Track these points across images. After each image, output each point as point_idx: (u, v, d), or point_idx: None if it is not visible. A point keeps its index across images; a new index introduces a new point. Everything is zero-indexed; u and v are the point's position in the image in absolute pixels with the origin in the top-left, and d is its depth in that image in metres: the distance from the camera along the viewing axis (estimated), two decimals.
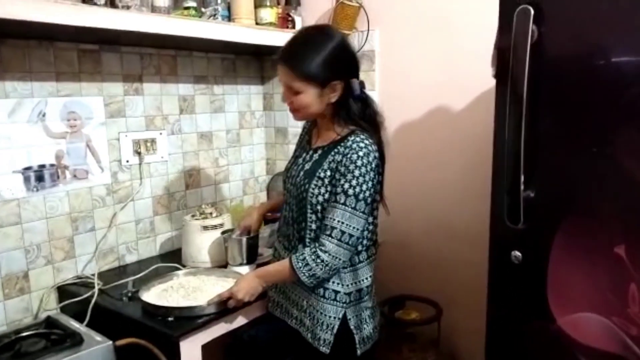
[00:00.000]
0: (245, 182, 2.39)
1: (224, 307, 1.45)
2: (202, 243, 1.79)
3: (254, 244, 1.71)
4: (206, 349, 1.45)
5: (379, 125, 1.42)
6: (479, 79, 1.70)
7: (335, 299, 1.38)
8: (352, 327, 1.39)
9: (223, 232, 1.78)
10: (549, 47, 1.12)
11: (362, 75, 2.07)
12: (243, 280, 1.46)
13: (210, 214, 1.84)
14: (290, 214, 1.47)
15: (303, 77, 1.32)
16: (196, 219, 1.82)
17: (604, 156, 1.09)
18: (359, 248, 1.41)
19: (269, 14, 2.07)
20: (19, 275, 1.60)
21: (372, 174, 1.33)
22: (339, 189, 1.32)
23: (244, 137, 2.35)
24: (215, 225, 1.80)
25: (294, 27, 2.14)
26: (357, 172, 1.31)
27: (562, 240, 1.17)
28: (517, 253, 1.24)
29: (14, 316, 1.59)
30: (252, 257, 1.71)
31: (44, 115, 1.61)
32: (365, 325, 1.43)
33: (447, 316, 1.92)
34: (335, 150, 1.36)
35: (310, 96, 1.35)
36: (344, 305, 1.39)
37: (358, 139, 1.33)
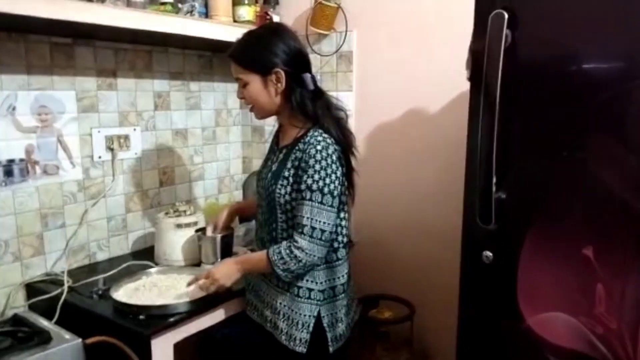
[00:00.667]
0: (221, 180, 2.37)
1: (197, 305, 1.44)
2: (175, 241, 1.77)
3: (228, 243, 1.70)
4: (178, 347, 1.43)
5: (340, 119, 1.43)
6: (455, 81, 1.72)
7: (309, 297, 1.39)
8: (325, 324, 1.40)
9: (197, 231, 1.77)
10: (522, 51, 1.14)
11: (340, 76, 2.13)
12: (222, 264, 1.47)
13: (184, 211, 1.82)
14: (262, 217, 1.47)
15: (244, 66, 1.37)
16: (170, 217, 1.80)
17: (574, 160, 1.12)
18: (335, 245, 1.42)
19: (247, 12, 2.06)
20: None
21: (333, 167, 1.33)
22: (302, 186, 1.33)
23: (220, 135, 2.33)
24: (189, 223, 1.78)
25: None
26: (317, 167, 1.31)
27: (532, 241, 1.19)
28: (488, 253, 1.26)
29: None
30: (226, 255, 1.69)
31: (13, 108, 1.57)
32: (339, 324, 1.44)
33: (420, 315, 1.95)
34: (296, 147, 1.37)
35: (255, 86, 1.37)
36: (318, 302, 1.39)
37: (316, 133, 1.35)
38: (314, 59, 2.15)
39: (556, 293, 1.18)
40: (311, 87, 1.39)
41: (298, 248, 1.32)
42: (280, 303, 1.41)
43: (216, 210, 2.08)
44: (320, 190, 1.31)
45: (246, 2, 2.06)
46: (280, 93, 1.38)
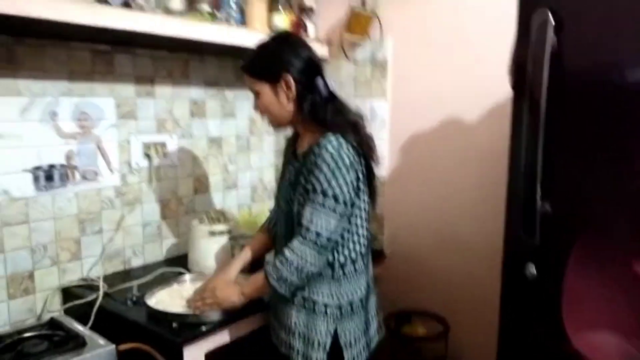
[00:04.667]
0: (254, 188, 2.37)
1: (230, 315, 1.43)
2: (208, 248, 1.76)
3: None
4: (210, 356, 1.42)
5: (357, 124, 1.39)
6: (494, 88, 1.69)
7: (325, 313, 1.34)
8: (342, 343, 1.34)
9: (230, 239, 1.76)
10: (568, 57, 1.10)
11: (375, 84, 2.10)
12: (227, 285, 1.44)
13: (218, 219, 1.82)
14: (280, 231, 1.45)
15: (254, 75, 1.37)
16: (203, 224, 1.80)
17: (623, 171, 1.06)
18: (353, 256, 1.37)
19: (283, 20, 2.07)
20: (24, 275, 1.58)
21: (343, 170, 1.27)
22: (309, 187, 1.29)
23: (253, 144, 2.34)
24: (222, 231, 1.78)
25: (306, 33, 2.14)
26: (325, 168, 1.27)
27: (579, 256, 1.14)
28: (532, 268, 1.21)
29: (17, 316, 1.57)
30: (257, 266, 1.68)
31: (55, 114, 1.61)
32: (358, 344, 1.38)
33: (455, 332, 1.89)
34: (312, 153, 1.33)
35: (266, 95, 1.37)
36: (336, 319, 1.34)
37: (330, 136, 1.30)
38: (348, 66, 2.15)
39: (605, 312, 1.11)
40: (324, 92, 1.37)
41: (289, 248, 1.28)
42: (296, 323, 1.36)
43: (248, 219, 2.09)
44: (324, 192, 1.27)
45: (282, 10, 2.06)
46: (292, 100, 1.36)
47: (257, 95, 1.39)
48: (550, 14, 1.07)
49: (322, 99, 1.36)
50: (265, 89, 1.36)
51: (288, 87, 1.34)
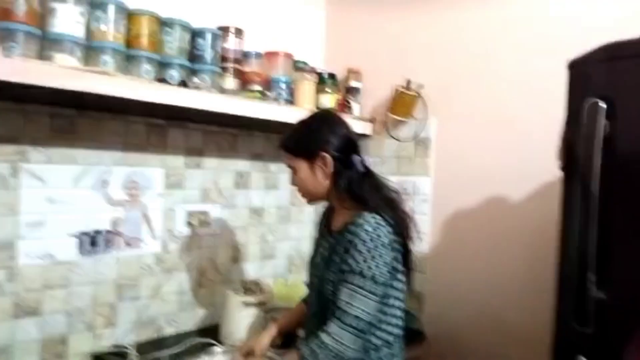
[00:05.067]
0: (291, 259, 2.35)
1: None
2: (241, 319, 1.73)
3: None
4: None
5: (394, 200, 1.37)
6: (540, 169, 1.66)
7: None
8: None
9: (266, 311, 1.73)
10: (622, 142, 1.07)
11: (418, 161, 2.11)
12: None
13: (253, 290, 1.80)
14: (311, 309, 1.41)
15: (292, 152, 1.40)
16: (238, 294, 1.78)
17: None
18: (390, 339, 1.31)
19: (329, 100, 2.14)
20: (58, 339, 1.58)
21: (381, 250, 1.24)
22: (345, 267, 1.26)
23: (293, 214, 2.35)
24: (256, 303, 1.75)
25: (350, 112, 2.20)
26: (363, 248, 1.24)
27: (636, 349, 1.04)
28: (583, 359, 1.11)
29: None
30: (289, 340, 1.62)
31: (106, 182, 1.68)
32: None
33: None
34: (348, 230, 1.30)
35: (303, 171, 1.38)
36: None
37: (367, 214, 1.28)
38: (391, 143, 2.17)
39: None
40: (360, 169, 1.37)
41: (327, 333, 1.23)
42: None
43: (285, 291, 2.05)
44: (362, 274, 1.23)
45: (329, 91, 2.14)
46: (328, 176, 1.37)
47: (294, 170, 1.41)
48: (602, 102, 1.06)
49: (358, 174, 1.36)
50: (302, 166, 1.38)
51: (325, 164, 1.35)
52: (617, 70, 1.08)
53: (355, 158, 1.37)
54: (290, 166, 1.42)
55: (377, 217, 1.28)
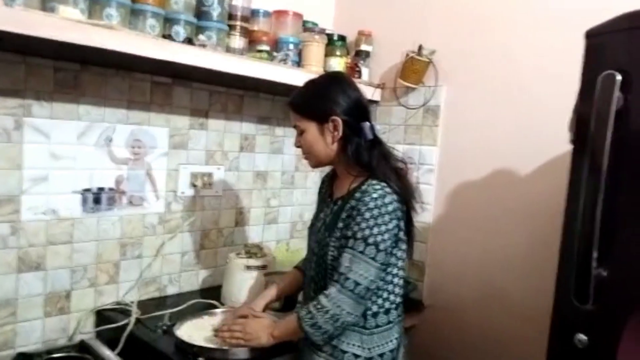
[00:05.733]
0: (294, 224, 2.35)
1: (258, 354, 1.39)
2: (242, 282, 1.75)
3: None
4: None
5: (400, 170, 1.36)
6: (550, 142, 1.63)
7: None
8: None
9: (265, 275, 1.74)
10: (635, 116, 1.03)
11: (426, 130, 2.08)
12: (258, 320, 1.42)
13: (255, 254, 1.81)
14: (310, 273, 1.41)
15: (302, 113, 1.36)
16: (240, 257, 1.79)
17: None
18: (386, 305, 1.32)
19: (338, 63, 2.10)
20: (62, 294, 1.61)
21: (386, 217, 1.24)
22: (349, 233, 1.26)
23: (298, 180, 2.34)
24: (257, 266, 1.76)
25: (360, 77, 2.15)
26: (367, 215, 1.23)
27: (636, 327, 1.03)
28: (582, 336, 1.11)
29: (50, 335, 1.59)
30: (289, 304, 1.64)
31: (110, 140, 1.67)
32: None
33: None
34: (352, 197, 1.30)
35: (312, 133, 1.35)
36: None
37: (373, 182, 1.28)
38: (399, 111, 2.14)
39: None
40: (369, 136, 1.34)
41: (325, 296, 1.24)
42: None
43: (286, 255, 2.07)
44: (365, 239, 1.23)
45: (338, 53, 2.09)
46: (336, 141, 1.34)
47: (300, 132, 1.38)
48: (618, 73, 1.02)
49: (367, 142, 1.34)
50: (311, 127, 1.35)
51: (335, 128, 1.33)
52: (635, 41, 1.04)
53: (365, 125, 1.34)
54: (296, 127, 1.39)
55: (384, 184, 1.27)
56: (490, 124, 1.89)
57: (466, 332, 1.94)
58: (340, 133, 1.33)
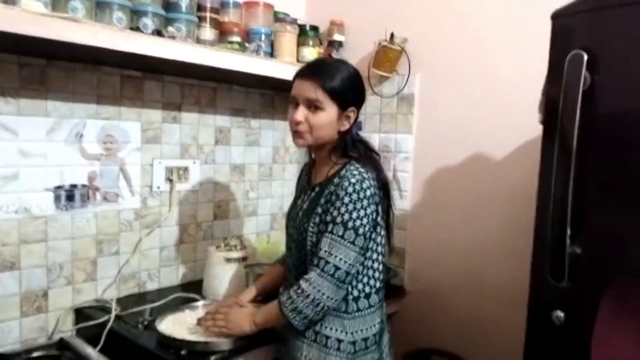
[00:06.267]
0: (274, 216, 2.35)
1: (241, 344, 1.39)
2: (223, 275, 1.74)
3: None
4: None
5: (377, 161, 1.40)
6: (523, 127, 1.65)
7: (338, 349, 1.29)
8: None
9: (246, 267, 1.73)
10: (603, 96, 1.06)
11: (400, 118, 2.09)
12: (240, 310, 1.42)
13: (235, 246, 1.80)
14: (291, 260, 1.42)
15: (329, 91, 1.30)
16: (220, 251, 1.78)
17: None
18: (367, 289, 1.33)
19: (311, 53, 2.09)
20: (39, 293, 1.58)
21: (364, 202, 1.25)
22: (328, 218, 1.27)
23: (276, 172, 2.33)
24: (238, 258, 1.76)
25: None
26: (346, 199, 1.25)
27: (611, 302, 1.06)
28: (559, 313, 1.14)
29: (29, 335, 1.56)
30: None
31: (81, 136, 1.63)
32: None
33: None
34: (331, 182, 1.31)
35: (329, 115, 1.32)
36: (348, 355, 1.29)
37: (352, 167, 1.30)
38: (374, 100, 2.14)
39: None
40: (359, 130, 1.42)
41: (306, 280, 1.25)
42: (306, 357, 1.31)
43: (266, 247, 2.06)
44: (344, 224, 1.24)
45: (311, 43, 2.08)
46: (341, 131, 1.36)
47: (315, 107, 1.31)
48: (584, 53, 1.04)
49: (353, 135, 1.39)
50: (332, 110, 1.32)
51: (347, 119, 1.36)
52: (600, 21, 1.05)
53: (359, 120, 1.42)
54: (312, 101, 1.30)
55: (362, 169, 1.29)
56: (464, 110, 1.91)
57: (447, 316, 1.97)
58: (349, 125, 1.36)
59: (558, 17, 1.12)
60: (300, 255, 1.36)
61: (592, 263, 1.09)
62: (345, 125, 1.35)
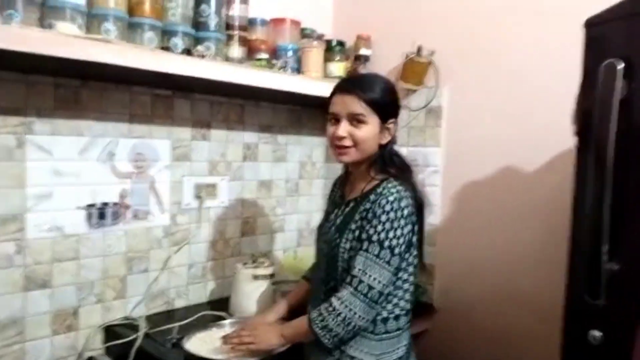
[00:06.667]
0: (300, 232, 2.34)
1: None
2: (251, 292, 1.73)
3: None
4: None
5: (414, 178, 1.37)
6: (556, 138, 1.61)
7: None
8: None
9: (273, 283, 1.72)
10: (639, 105, 1.01)
11: (429, 131, 2.06)
12: (266, 327, 1.41)
13: (262, 262, 1.80)
14: (320, 275, 1.39)
15: (371, 104, 1.30)
16: (247, 267, 1.78)
17: None
18: (396, 311, 1.29)
19: (338, 68, 2.09)
20: (69, 311, 1.60)
21: (402, 221, 1.23)
22: (363, 235, 1.24)
23: (302, 187, 2.33)
24: (265, 275, 1.75)
25: None
26: (383, 218, 1.22)
27: None
28: (596, 333, 1.08)
29: (59, 353, 1.58)
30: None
31: (113, 155, 1.67)
32: None
33: None
34: (367, 199, 1.28)
35: (373, 128, 1.31)
36: None
37: (390, 185, 1.27)
38: (402, 113, 2.10)
39: None
40: (395, 143, 1.39)
41: (338, 298, 1.22)
42: None
43: (294, 264, 2.05)
44: (380, 243, 1.21)
45: (337, 59, 2.09)
46: (381, 144, 1.35)
47: (359, 122, 1.30)
48: (620, 61, 1.00)
49: (390, 149, 1.38)
50: (374, 122, 1.31)
51: (390, 131, 1.35)
52: (636, 28, 1.02)
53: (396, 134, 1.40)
54: (355, 115, 1.30)
55: (400, 187, 1.27)
56: (494, 121, 1.87)
57: (478, 333, 1.91)
58: (389, 138, 1.35)
59: (591, 25, 1.09)
60: (330, 271, 1.33)
61: (631, 280, 1.04)
62: (386, 138, 1.34)
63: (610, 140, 1.02)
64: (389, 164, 1.34)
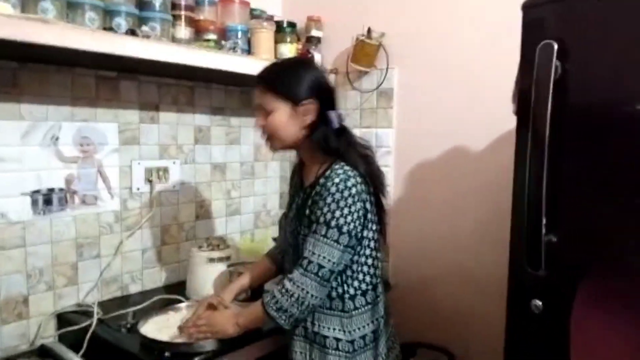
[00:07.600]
0: (257, 215, 2.34)
1: (225, 345, 1.39)
2: (207, 275, 1.73)
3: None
4: None
5: (367, 157, 1.36)
6: (501, 118, 1.65)
7: (337, 348, 1.29)
8: None
9: (229, 265, 1.73)
10: (574, 85, 1.07)
11: (381, 113, 2.09)
12: (221, 313, 1.41)
13: (218, 246, 1.79)
14: (289, 263, 1.41)
15: (275, 93, 1.30)
16: (203, 251, 1.77)
17: (633, 202, 1.01)
18: (363, 287, 1.33)
19: (289, 49, 2.08)
20: (19, 299, 1.56)
21: (349, 200, 1.23)
22: (312, 218, 1.27)
23: (258, 170, 2.33)
24: (221, 258, 1.75)
25: None
26: (329, 199, 1.23)
27: (588, 290, 1.08)
28: (538, 302, 1.15)
29: (10, 342, 1.54)
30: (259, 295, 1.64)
31: (57, 139, 1.61)
32: None
33: None
34: (318, 184, 1.29)
35: (282, 115, 1.30)
36: (347, 354, 1.29)
37: (337, 166, 1.28)
38: (354, 95, 2.14)
39: (615, 351, 1.05)
40: (336, 125, 1.33)
41: (290, 280, 1.25)
42: (306, 356, 1.32)
43: (251, 246, 2.06)
44: (327, 223, 1.23)
45: (288, 40, 2.08)
46: (305, 127, 1.32)
47: (267, 111, 1.31)
48: (555, 43, 1.05)
49: (334, 130, 1.33)
50: (282, 109, 1.30)
51: (306, 112, 1.31)
52: (571, 11, 1.07)
53: (332, 113, 1.33)
54: (265, 106, 1.31)
55: (346, 167, 1.27)
56: (442, 103, 1.92)
57: (432, 309, 1.99)
58: (311, 119, 1.31)
59: (528, 8, 1.13)
60: (296, 258, 1.33)
61: (569, 251, 1.10)
62: (307, 120, 1.31)
63: (546, 118, 1.07)
64: (325, 145, 1.31)
